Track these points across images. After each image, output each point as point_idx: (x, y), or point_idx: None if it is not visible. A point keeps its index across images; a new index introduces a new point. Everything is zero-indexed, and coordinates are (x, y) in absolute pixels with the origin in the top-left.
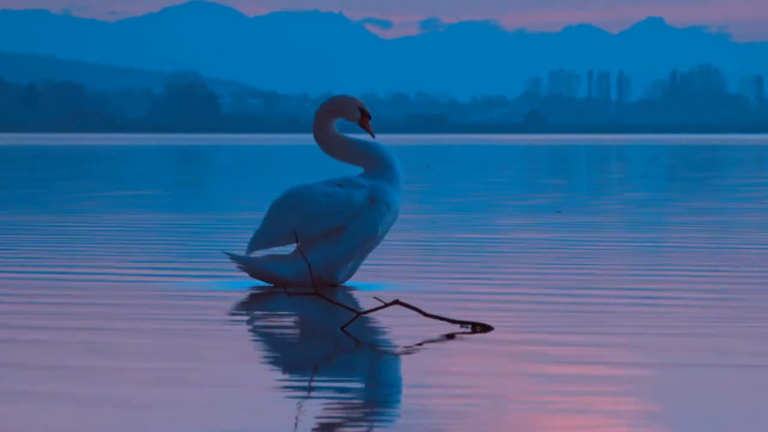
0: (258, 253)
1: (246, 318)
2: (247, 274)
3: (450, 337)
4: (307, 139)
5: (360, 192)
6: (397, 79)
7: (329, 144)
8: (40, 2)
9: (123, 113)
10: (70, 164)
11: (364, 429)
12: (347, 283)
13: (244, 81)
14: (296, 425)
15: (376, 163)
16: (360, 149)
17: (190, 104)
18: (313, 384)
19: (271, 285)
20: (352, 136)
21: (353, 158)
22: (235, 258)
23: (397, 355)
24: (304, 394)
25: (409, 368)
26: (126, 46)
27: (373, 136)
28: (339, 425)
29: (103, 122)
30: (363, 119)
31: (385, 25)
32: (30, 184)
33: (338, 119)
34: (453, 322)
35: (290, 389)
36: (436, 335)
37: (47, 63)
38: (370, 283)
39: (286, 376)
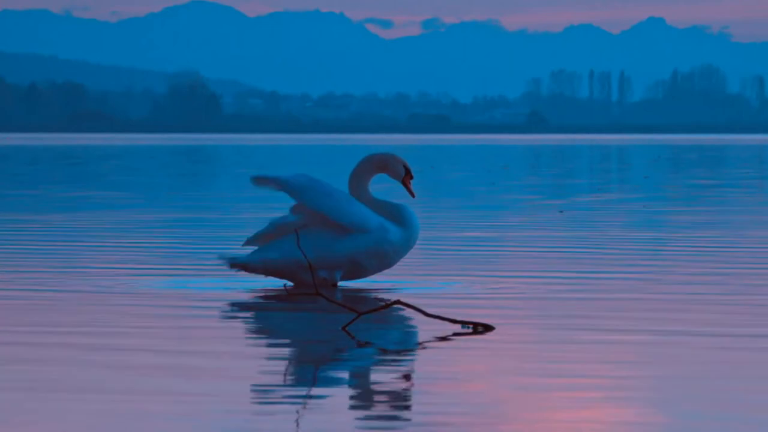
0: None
1: (247, 318)
2: (249, 273)
3: (451, 337)
4: (308, 139)
5: (375, 220)
6: (399, 79)
7: (357, 196)
8: (42, 2)
9: (124, 113)
10: (70, 164)
11: (365, 429)
12: (348, 282)
13: (245, 81)
14: (297, 424)
15: (398, 218)
16: (386, 208)
17: (191, 104)
18: (314, 384)
19: (278, 279)
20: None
21: (378, 212)
22: (230, 260)
23: (398, 355)
24: (305, 393)
25: (409, 368)
26: (127, 46)
27: (413, 197)
28: (340, 425)
29: (104, 122)
30: (406, 178)
31: (387, 25)
32: (26, 184)
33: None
34: (454, 322)
35: (291, 389)
36: (437, 335)
37: (48, 63)
38: (371, 282)
39: (287, 376)
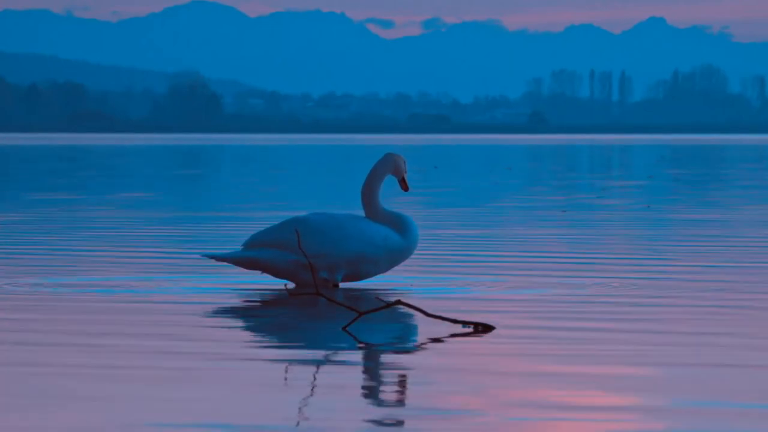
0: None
1: (247, 318)
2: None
3: (452, 337)
4: (309, 139)
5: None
6: (399, 79)
7: (371, 205)
8: (42, 2)
9: (125, 113)
10: (71, 163)
11: (364, 429)
12: (348, 283)
13: (246, 81)
14: (298, 424)
15: (399, 227)
16: (389, 217)
17: (192, 104)
18: (315, 384)
19: (279, 279)
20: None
21: (383, 221)
22: (217, 257)
23: (398, 356)
24: (305, 393)
25: (410, 368)
26: (128, 46)
27: (408, 190)
28: (341, 424)
29: (104, 122)
30: (405, 175)
31: (387, 25)
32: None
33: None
34: (455, 322)
35: (292, 388)
36: (437, 335)
37: (49, 63)
38: (372, 282)
39: (288, 376)
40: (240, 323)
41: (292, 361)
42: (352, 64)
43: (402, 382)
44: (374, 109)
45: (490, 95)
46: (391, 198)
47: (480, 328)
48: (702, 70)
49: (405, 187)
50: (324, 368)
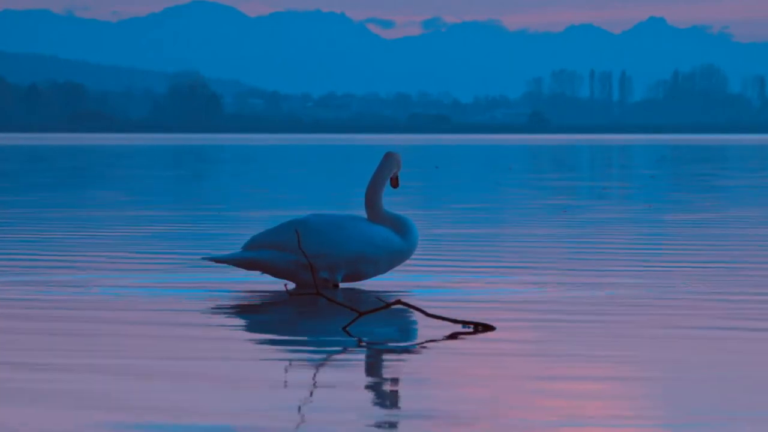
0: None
1: (247, 318)
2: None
3: (452, 337)
4: (309, 139)
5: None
6: (400, 79)
7: (373, 206)
8: (42, 2)
9: (125, 113)
10: (69, 163)
11: (364, 428)
12: (349, 283)
13: (246, 81)
14: (298, 423)
15: (400, 229)
16: (391, 218)
17: (192, 104)
18: (315, 383)
19: (272, 276)
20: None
21: (383, 223)
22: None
23: (398, 355)
24: (305, 393)
25: (410, 368)
26: (128, 46)
27: (398, 187)
28: (340, 424)
29: (104, 122)
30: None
31: (388, 25)
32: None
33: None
34: (455, 322)
35: (292, 388)
36: (438, 335)
37: (49, 63)
38: (372, 282)
39: (288, 376)
40: (240, 323)
41: (292, 361)
42: (352, 64)
43: (402, 382)
44: (374, 109)
45: (490, 95)
46: (389, 198)
47: (480, 328)
48: (702, 70)
49: (396, 184)
50: (324, 368)
